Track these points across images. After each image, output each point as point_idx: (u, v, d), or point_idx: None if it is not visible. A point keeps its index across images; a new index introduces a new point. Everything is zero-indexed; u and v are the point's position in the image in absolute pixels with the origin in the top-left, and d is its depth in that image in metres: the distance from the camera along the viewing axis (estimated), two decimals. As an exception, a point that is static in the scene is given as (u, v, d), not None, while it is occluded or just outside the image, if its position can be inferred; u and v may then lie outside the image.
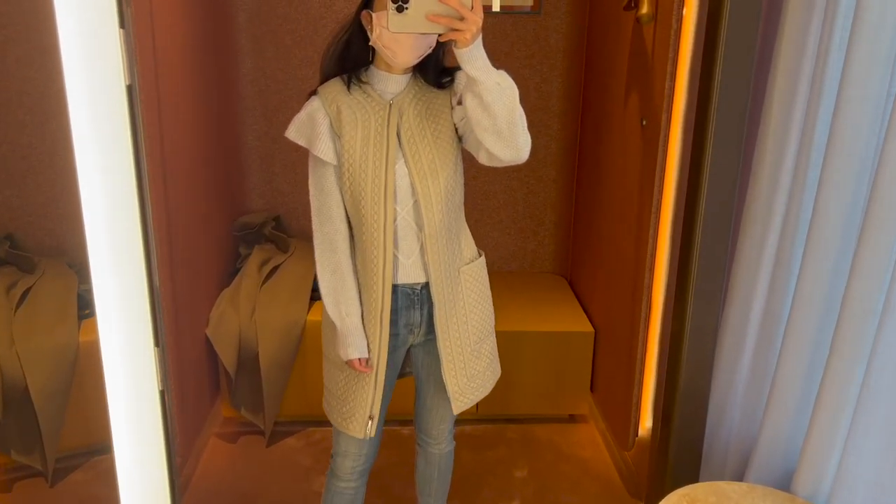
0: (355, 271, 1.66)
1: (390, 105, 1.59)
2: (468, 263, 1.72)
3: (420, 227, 1.61)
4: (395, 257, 1.63)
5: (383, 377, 1.67)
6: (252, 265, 2.83)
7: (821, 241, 1.62)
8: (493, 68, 1.42)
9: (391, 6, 1.37)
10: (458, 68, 1.51)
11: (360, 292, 1.66)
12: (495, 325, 1.83)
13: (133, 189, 1.37)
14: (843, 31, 1.56)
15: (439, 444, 1.93)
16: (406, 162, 1.58)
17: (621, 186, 2.51)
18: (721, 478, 2.05)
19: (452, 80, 1.61)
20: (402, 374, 1.85)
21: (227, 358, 2.60)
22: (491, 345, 1.82)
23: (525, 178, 3.19)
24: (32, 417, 2.06)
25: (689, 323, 2.01)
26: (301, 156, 3.05)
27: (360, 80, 1.60)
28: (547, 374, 2.79)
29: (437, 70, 1.62)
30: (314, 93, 1.62)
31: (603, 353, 2.73)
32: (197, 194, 2.54)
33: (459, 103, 1.58)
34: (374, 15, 1.50)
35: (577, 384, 2.81)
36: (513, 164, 1.51)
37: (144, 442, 1.51)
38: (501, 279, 3.13)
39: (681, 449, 2.12)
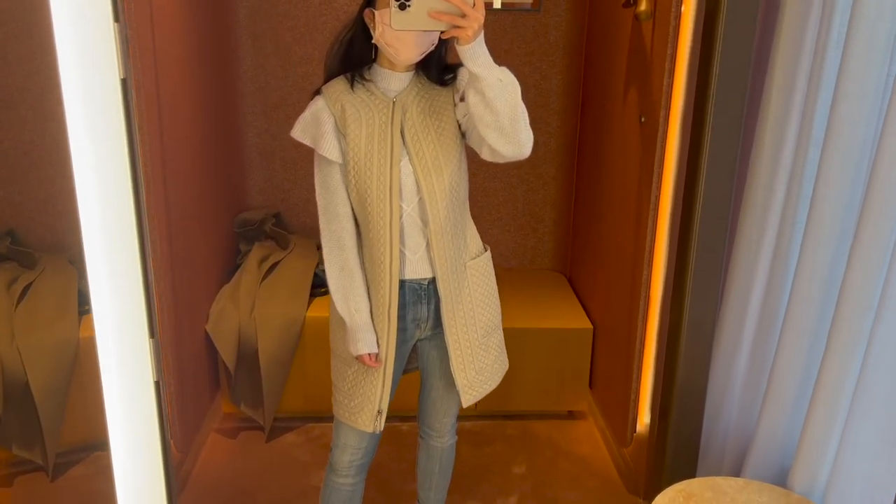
0: (363, 268, 1.68)
1: (394, 103, 1.60)
2: (474, 258, 1.74)
3: (425, 223, 1.62)
4: (402, 253, 1.65)
5: (392, 371, 1.69)
6: (252, 261, 2.83)
7: (818, 236, 1.63)
8: (495, 65, 1.43)
9: (394, 4, 1.38)
10: (461, 65, 1.52)
11: (367, 288, 1.68)
12: (496, 322, 1.84)
13: (128, 181, 1.38)
14: (840, 27, 1.57)
15: (442, 438, 1.94)
16: (410, 159, 1.59)
17: (620, 183, 2.52)
18: (718, 473, 2.06)
19: (455, 77, 1.62)
20: (406, 370, 1.86)
21: (227, 354, 2.61)
22: (498, 338, 1.83)
23: (524, 175, 3.20)
24: (33, 413, 2.06)
25: (686, 318, 2.02)
26: (301, 153, 3.06)
27: (363, 79, 1.61)
28: (546, 371, 2.80)
29: (439, 67, 1.63)
30: (318, 92, 1.63)
31: (602, 349, 2.74)
32: (197, 191, 2.55)
33: (462, 100, 1.58)
34: (376, 13, 1.51)
35: (575, 381, 2.82)
36: (515, 160, 1.53)
37: (140, 433, 1.51)
38: (501, 276, 3.08)
39: (678, 444, 2.13)
